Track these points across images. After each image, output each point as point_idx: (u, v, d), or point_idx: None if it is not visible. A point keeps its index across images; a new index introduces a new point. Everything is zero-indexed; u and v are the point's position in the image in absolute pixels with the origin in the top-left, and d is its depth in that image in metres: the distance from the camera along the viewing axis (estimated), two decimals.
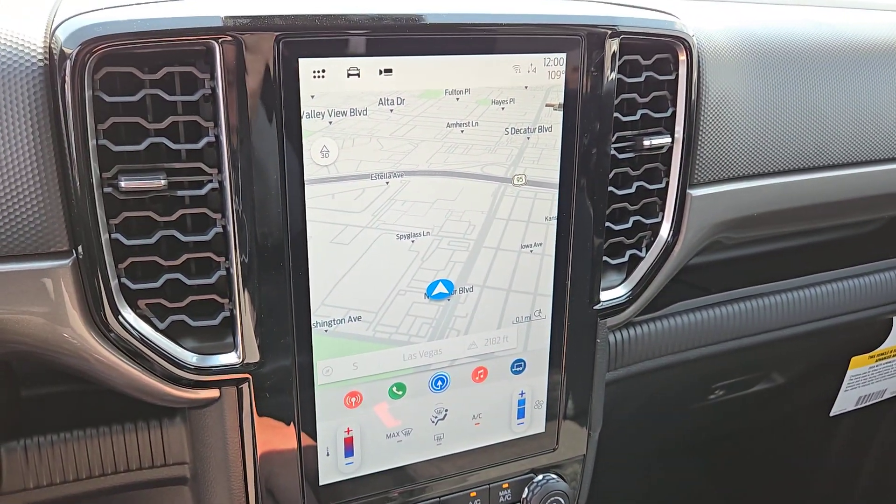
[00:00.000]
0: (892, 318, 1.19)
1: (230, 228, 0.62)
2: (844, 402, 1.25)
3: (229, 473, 0.69)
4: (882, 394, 1.30)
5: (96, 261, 0.59)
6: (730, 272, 1.10)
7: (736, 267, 1.11)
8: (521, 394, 0.78)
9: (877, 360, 1.22)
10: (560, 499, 0.81)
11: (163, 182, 0.59)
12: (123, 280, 0.61)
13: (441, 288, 0.71)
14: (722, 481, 1.58)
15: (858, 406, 1.28)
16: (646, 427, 1.22)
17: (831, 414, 1.27)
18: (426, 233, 0.68)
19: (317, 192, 0.63)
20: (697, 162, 0.82)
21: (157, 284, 0.62)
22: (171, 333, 0.64)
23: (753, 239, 0.95)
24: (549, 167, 0.71)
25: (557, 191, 0.72)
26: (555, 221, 0.73)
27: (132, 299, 0.62)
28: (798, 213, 0.90)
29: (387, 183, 0.65)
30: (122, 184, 0.58)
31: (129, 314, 0.61)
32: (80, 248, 0.59)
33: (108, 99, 0.57)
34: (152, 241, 0.61)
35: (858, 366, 1.21)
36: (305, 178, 0.62)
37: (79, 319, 0.60)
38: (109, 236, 0.60)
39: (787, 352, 1.13)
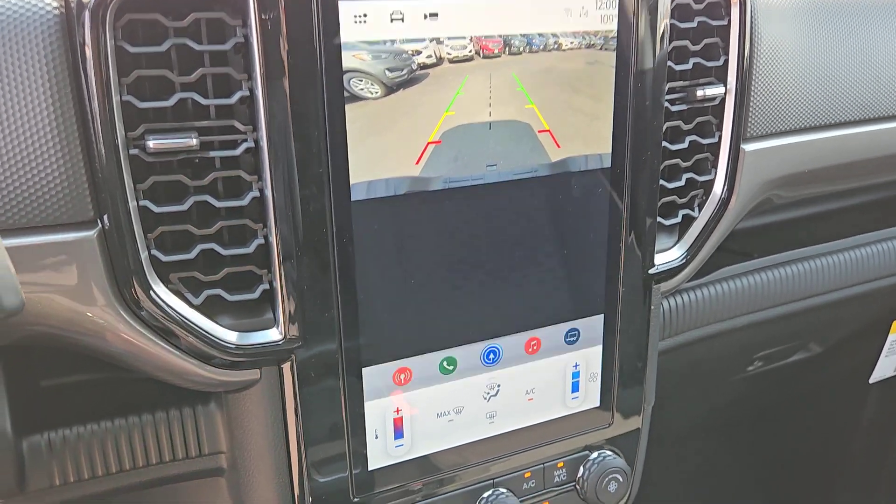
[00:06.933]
0: None
1: (268, 192, 0.56)
2: (884, 368, 1.21)
3: (272, 461, 0.64)
4: None
5: (124, 231, 0.54)
6: (768, 237, 1.05)
7: (774, 232, 1.07)
8: (576, 366, 0.73)
9: None
10: (618, 476, 0.76)
11: (194, 141, 0.54)
12: (154, 252, 0.56)
13: None
14: (763, 454, 1.54)
15: None
16: (687, 399, 1.17)
17: (870, 381, 1.23)
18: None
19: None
20: (750, 115, 0.77)
21: (191, 256, 0.56)
22: (206, 310, 0.58)
23: (803, 198, 0.90)
24: (602, 118, 0.66)
25: (611, 145, 0.67)
26: (608, 175, 0.68)
27: (163, 273, 0.57)
28: (853, 167, 0.85)
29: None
30: (150, 144, 0.53)
31: (160, 289, 0.56)
32: (105, 218, 0.53)
33: (131, 49, 0.52)
34: (184, 207, 0.55)
35: None
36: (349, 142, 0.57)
37: (106, 296, 0.55)
38: (137, 203, 0.54)
39: (832, 317, 1.08)
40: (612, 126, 0.67)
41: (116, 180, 0.52)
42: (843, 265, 1.02)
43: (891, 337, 1.16)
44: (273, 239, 0.57)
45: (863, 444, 1.46)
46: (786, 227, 1.07)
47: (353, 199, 0.58)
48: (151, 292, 0.55)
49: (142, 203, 0.54)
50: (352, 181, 0.58)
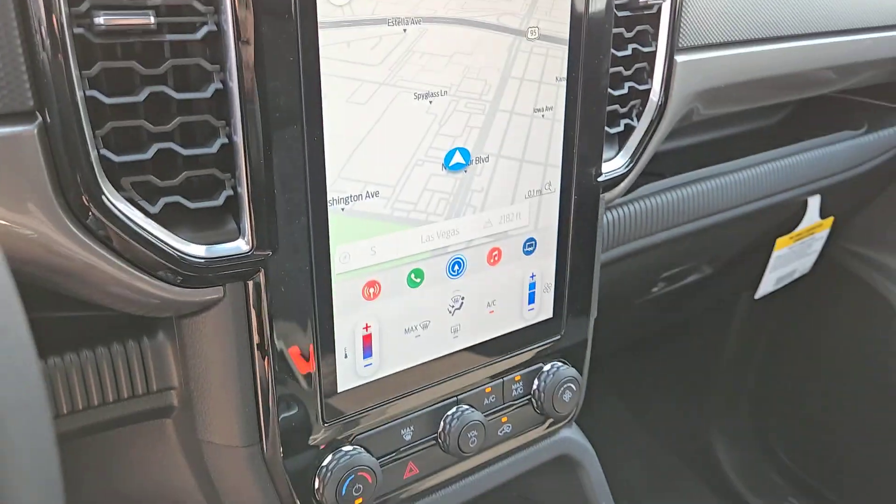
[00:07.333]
0: (807, 200, 1.25)
1: (232, 83, 0.50)
2: (768, 283, 1.30)
3: (236, 391, 0.59)
4: (792, 274, 1.37)
5: (70, 125, 0.46)
6: (678, 159, 1.10)
7: (683, 154, 1.12)
8: (532, 276, 0.72)
9: (795, 241, 1.28)
10: (572, 385, 0.77)
11: (152, 20, 0.47)
12: (103, 151, 0.48)
13: (458, 158, 0.63)
14: (658, 372, 1.63)
15: (777, 287, 1.34)
16: (604, 319, 1.21)
17: (756, 296, 1.32)
18: (443, 92, 0.60)
19: (331, 38, 0.53)
20: (682, 26, 0.79)
21: (147, 156, 0.50)
22: (164, 220, 0.52)
23: (716, 115, 0.94)
24: (560, 20, 0.65)
25: (568, 48, 0.66)
26: (565, 83, 0.68)
27: (114, 178, 0.49)
28: (772, 82, 0.90)
29: (404, 30, 0.57)
30: (101, 21, 0.45)
31: (113, 195, 0.49)
32: (47, 110, 0.46)
33: None
34: (140, 98, 0.48)
35: (781, 247, 1.26)
36: (319, 21, 0.52)
37: (48, 202, 0.47)
38: (84, 93, 0.47)
39: (726, 235, 1.15)
40: (569, 26, 0.66)
41: (60, 64, 0.45)
42: (737, 184, 1.09)
43: (775, 253, 1.26)
44: (238, 138, 0.52)
45: (733, 356, 1.58)
46: (692, 151, 1.12)
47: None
48: (103, 197, 0.48)
49: (89, 93, 0.47)
50: (323, 73, 0.53)
